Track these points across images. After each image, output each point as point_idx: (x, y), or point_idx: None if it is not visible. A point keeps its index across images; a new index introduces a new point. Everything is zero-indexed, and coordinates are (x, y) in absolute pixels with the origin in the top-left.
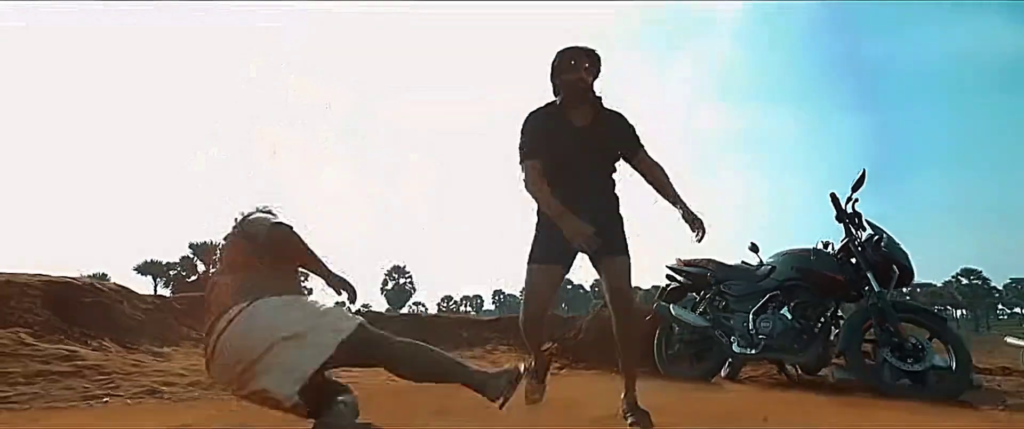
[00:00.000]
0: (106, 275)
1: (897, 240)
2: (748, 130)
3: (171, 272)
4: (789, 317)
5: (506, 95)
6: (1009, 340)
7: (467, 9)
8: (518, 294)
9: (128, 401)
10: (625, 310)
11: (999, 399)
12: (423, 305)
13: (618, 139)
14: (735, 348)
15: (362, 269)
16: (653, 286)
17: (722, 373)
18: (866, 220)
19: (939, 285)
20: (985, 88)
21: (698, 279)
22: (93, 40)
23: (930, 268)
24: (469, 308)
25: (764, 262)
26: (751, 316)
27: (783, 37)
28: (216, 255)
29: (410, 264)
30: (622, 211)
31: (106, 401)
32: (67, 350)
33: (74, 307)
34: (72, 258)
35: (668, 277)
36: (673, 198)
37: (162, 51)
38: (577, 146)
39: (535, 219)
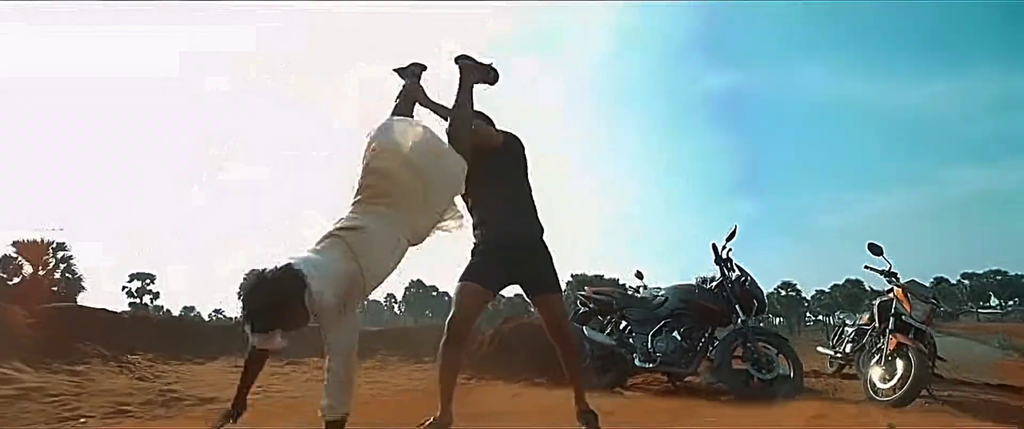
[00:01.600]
0: None
1: (756, 280)
2: (604, 148)
3: None
4: (679, 338)
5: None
6: (820, 349)
7: None
8: (382, 301)
9: (106, 421)
10: (569, 343)
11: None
12: None
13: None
14: (636, 362)
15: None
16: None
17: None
18: (735, 264)
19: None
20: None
21: (604, 306)
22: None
23: (760, 281)
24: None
25: (655, 292)
26: (649, 337)
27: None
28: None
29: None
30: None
31: (84, 421)
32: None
33: None
34: None
35: (581, 303)
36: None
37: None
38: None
39: (473, 243)
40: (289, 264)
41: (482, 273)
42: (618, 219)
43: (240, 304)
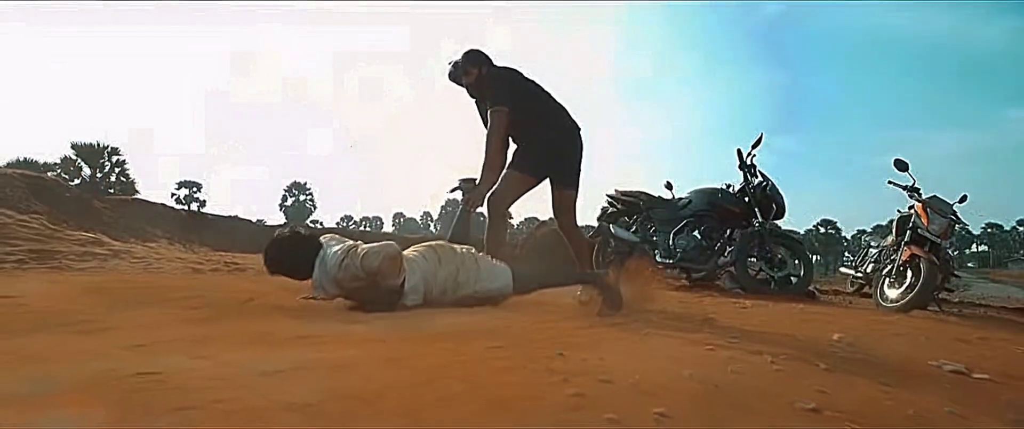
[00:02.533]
0: None
1: (777, 186)
2: (649, 78)
3: (49, 173)
4: (698, 237)
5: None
6: (842, 269)
7: None
8: (418, 219)
9: (182, 274)
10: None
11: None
12: (321, 223)
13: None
14: (658, 259)
15: (263, 185)
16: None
17: None
18: (759, 170)
19: (802, 233)
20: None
21: (631, 206)
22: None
23: (798, 218)
24: (368, 227)
25: (680, 196)
26: (671, 236)
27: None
28: None
29: (312, 181)
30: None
31: (164, 273)
32: (91, 237)
33: (61, 201)
34: None
35: (608, 202)
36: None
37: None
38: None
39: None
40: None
41: (525, 164)
42: (654, 152)
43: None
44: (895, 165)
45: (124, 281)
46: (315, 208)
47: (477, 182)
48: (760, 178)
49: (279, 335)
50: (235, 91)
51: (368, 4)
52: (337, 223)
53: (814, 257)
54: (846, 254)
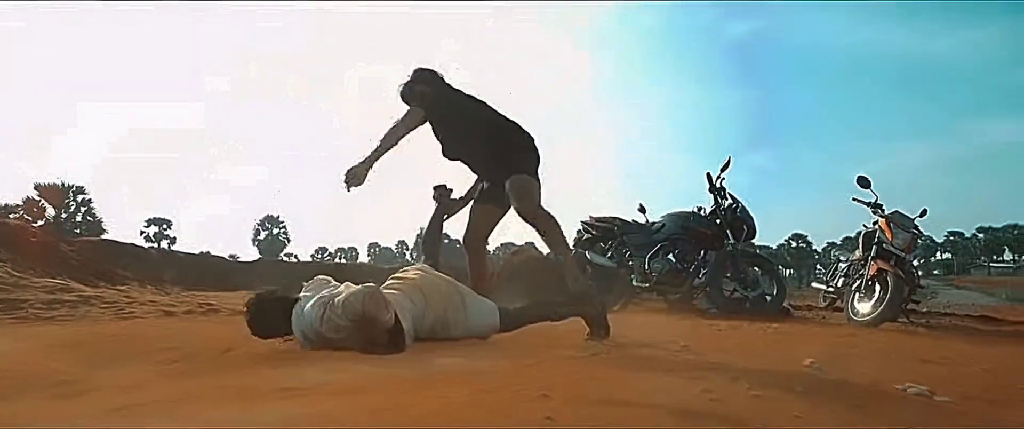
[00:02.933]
0: None
1: (747, 207)
2: (619, 98)
3: (11, 215)
4: (673, 260)
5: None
6: (814, 284)
7: None
8: (394, 247)
9: (156, 318)
10: (531, 218)
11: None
12: (296, 256)
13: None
14: (634, 283)
15: (234, 218)
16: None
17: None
18: (728, 192)
19: (774, 248)
20: (832, 76)
21: (606, 232)
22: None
23: (770, 233)
24: (343, 259)
25: (653, 220)
26: (646, 260)
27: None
28: None
29: (284, 214)
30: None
31: (136, 318)
32: (58, 283)
33: (25, 246)
34: None
35: (583, 228)
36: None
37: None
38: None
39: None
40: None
41: (493, 196)
42: (625, 171)
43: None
44: (858, 182)
45: (96, 333)
46: (289, 241)
47: (443, 192)
48: (730, 201)
49: (260, 388)
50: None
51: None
52: (311, 256)
53: (787, 272)
54: (818, 267)
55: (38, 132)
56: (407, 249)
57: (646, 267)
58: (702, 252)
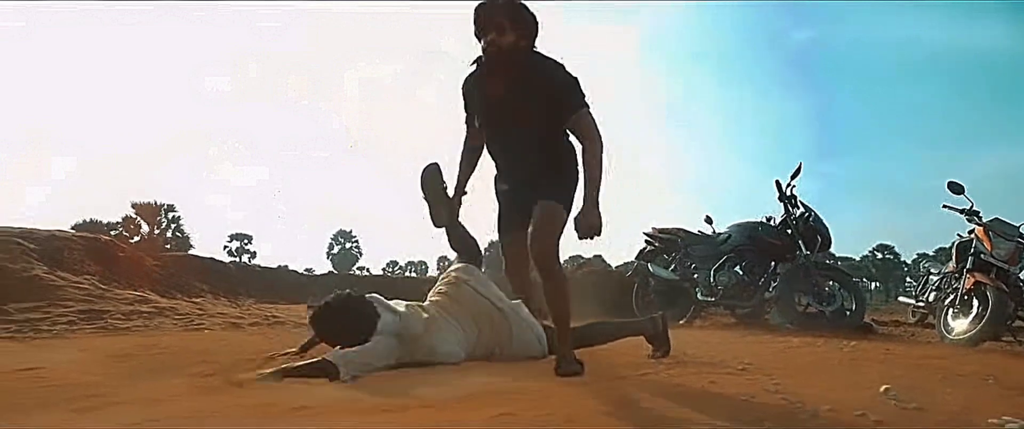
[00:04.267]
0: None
1: (821, 216)
2: (680, 105)
3: (112, 232)
4: (740, 273)
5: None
6: (902, 299)
7: None
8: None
9: (222, 330)
10: (541, 267)
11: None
12: (368, 269)
13: (542, 105)
14: (699, 297)
15: (309, 233)
16: (625, 262)
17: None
18: (800, 201)
19: (857, 259)
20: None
21: (669, 244)
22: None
23: (851, 243)
24: (413, 272)
25: (719, 231)
26: (712, 272)
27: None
28: None
29: (356, 228)
30: (569, 167)
31: (204, 329)
32: (138, 295)
33: (114, 261)
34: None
35: (646, 241)
36: (586, 186)
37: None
38: (495, 117)
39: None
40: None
41: (566, 192)
42: (694, 182)
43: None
44: (949, 188)
45: (151, 345)
46: (361, 255)
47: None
48: (802, 209)
49: (280, 405)
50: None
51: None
52: (383, 269)
53: (873, 284)
54: (907, 279)
55: (136, 155)
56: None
57: (712, 280)
58: (772, 264)
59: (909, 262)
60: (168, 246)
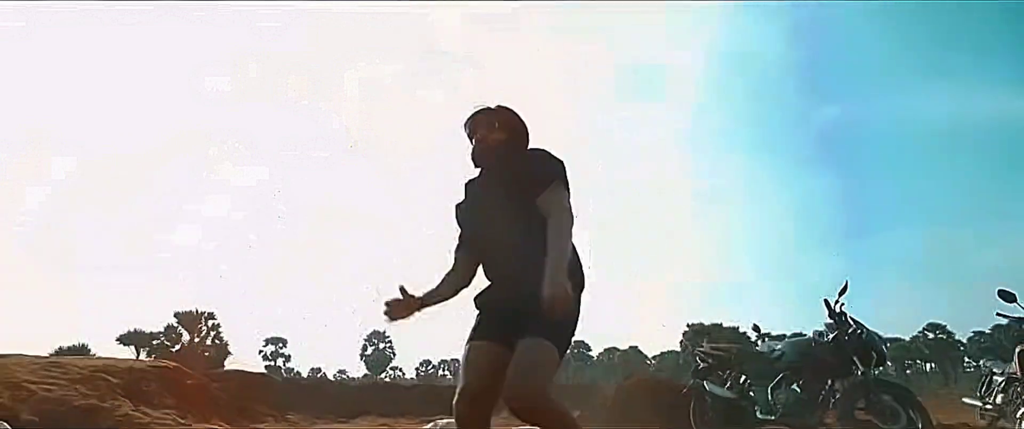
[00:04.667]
0: (86, 347)
1: (873, 332)
2: (706, 180)
3: (154, 342)
4: (798, 391)
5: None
6: (965, 401)
7: None
8: None
9: None
10: (531, 409)
11: None
12: (401, 370)
13: (521, 185)
14: (759, 415)
15: (343, 336)
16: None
17: None
18: (850, 317)
19: (907, 340)
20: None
21: (723, 360)
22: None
23: (899, 324)
24: (447, 372)
25: (772, 347)
26: (769, 391)
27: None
28: None
29: (389, 329)
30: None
31: None
32: (212, 427)
33: (185, 389)
34: (48, 331)
35: (699, 358)
36: (549, 256)
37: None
38: (483, 216)
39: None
40: None
41: (564, 334)
42: (728, 265)
43: None
44: (1000, 296)
45: None
46: (394, 355)
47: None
48: (853, 326)
49: None
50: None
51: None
52: (416, 370)
53: (928, 365)
54: (965, 359)
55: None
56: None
57: (769, 398)
58: (830, 381)
59: (965, 341)
60: (206, 353)
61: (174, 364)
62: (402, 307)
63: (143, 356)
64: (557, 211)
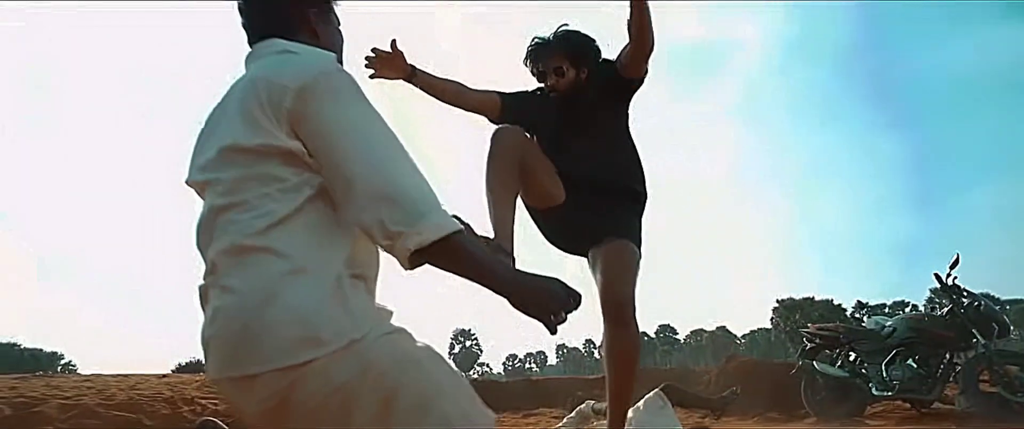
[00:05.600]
0: (201, 362)
1: (991, 303)
2: (780, 154)
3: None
4: (915, 366)
5: None
6: None
7: None
8: (581, 347)
9: None
10: (613, 317)
11: None
12: (488, 366)
13: (610, 97)
14: (875, 391)
15: (431, 336)
16: (750, 331)
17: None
18: (965, 290)
19: None
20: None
21: (831, 340)
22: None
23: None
24: (533, 365)
25: (881, 323)
26: (883, 367)
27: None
28: None
29: (475, 326)
30: (640, 188)
31: None
32: None
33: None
34: (165, 346)
35: (806, 339)
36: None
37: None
38: (568, 132)
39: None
40: None
41: (637, 231)
42: (809, 237)
43: None
44: None
45: None
46: (481, 352)
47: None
48: (969, 298)
49: None
50: None
51: None
52: (503, 364)
53: None
54: None
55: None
56: (594, 347)
57: (884, 374)
58: (948, 355)
59: None
60: None
61: None
62: (388, 63)
63: None
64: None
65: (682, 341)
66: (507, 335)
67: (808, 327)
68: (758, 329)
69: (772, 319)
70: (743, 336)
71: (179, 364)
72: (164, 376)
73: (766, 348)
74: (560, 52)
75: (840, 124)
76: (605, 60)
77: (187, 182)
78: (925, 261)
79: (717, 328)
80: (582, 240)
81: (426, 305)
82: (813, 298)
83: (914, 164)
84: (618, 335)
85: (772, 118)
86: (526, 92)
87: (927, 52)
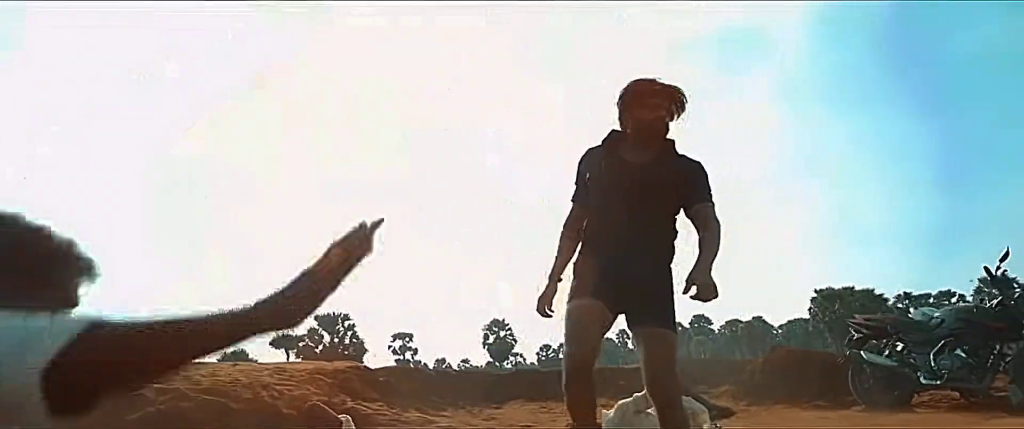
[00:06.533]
0: (245, 352)
1: None
2: (817, 140)
3: (301, 344)
4: (964, 355)
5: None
6: None
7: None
8: (615, 337)
9: None
10: (664, 403)
11: None
12: (522, 356)
13: (680, 185)
14: (923, 380)
15: (465, 326)
16: (788, 321)
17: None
18: (1015, 281)
19: None
20: None
21: (878, 331)
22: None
23: None
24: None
25: (929, 314)
26: (932, 356)
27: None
28: None
29: (508, 316)
30: (674, 274)
31: None
32: (418, 414)
33: (384, 386)
34: None
35: (854, 329)
36: (702, 253)
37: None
38: (628, 185)
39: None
40: None
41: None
42: (847, 225)
43: None
44: None
45: None
46: (515, 341)
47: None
48: (1019, 290)
49: None
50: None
51: None
52: (537, 354)
53: None
54: None
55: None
56: (628, 338)
57: (933, 364)
58: (998, 346)
59: None
60: (345, 352)
61: (354, 363)
62: (550, 300)
63: (292, 358)
64: (714, 223)
65: (717, 331)
66: (540, 325)
67: (854, 318)
68: (795, 319)
69: (810, 309)
70: (780, 326)
71: (225, 353)
72: (235, 363)
73: (804, 338)
74: (678, 97)
75: (878, 109)
76: (698, 165)
77: None
78: (966, 250)
79: (753, 318)
80: (624, 307)
81: (460, 296)
82: (853, 288)
83: (953, 150)
84: (668, 416)
85: (809, 104)
86: (583, 171)
87: (969, 32)
